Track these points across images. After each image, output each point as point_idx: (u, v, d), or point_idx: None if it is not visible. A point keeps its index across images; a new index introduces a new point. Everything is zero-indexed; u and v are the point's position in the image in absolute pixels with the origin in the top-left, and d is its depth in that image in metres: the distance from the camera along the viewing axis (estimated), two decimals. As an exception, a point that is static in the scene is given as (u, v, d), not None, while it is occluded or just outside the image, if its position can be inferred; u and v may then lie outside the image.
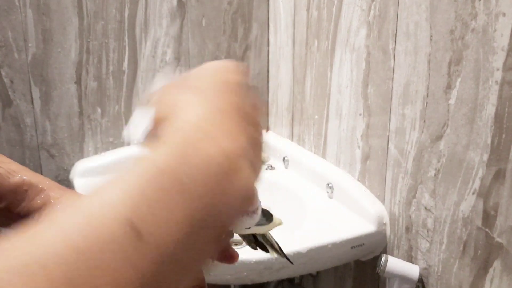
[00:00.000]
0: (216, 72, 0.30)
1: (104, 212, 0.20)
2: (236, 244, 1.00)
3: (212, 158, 0.24)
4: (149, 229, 0.20)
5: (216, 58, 1.25)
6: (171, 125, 0.25)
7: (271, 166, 1.19)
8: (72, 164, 1.16)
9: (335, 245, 0.87)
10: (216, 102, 0.27)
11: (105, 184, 0.21)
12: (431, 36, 0.77)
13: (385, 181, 0.93)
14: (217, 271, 0.81)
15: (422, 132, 0.81)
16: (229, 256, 0.36)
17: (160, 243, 0.20)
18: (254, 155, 0.26)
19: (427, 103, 0.79)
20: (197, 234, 0.22)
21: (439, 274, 0.82)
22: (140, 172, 0.22)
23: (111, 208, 0.20)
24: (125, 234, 0.19)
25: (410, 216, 0.87)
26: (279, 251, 0.41)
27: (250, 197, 0.25)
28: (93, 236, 0.19)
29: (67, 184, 1.12)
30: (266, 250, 0.42)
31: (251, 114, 0.28)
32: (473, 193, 0.73)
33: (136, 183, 0.21)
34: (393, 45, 0.85)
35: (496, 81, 0.67)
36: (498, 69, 0.66)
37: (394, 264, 0.84)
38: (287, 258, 0.43)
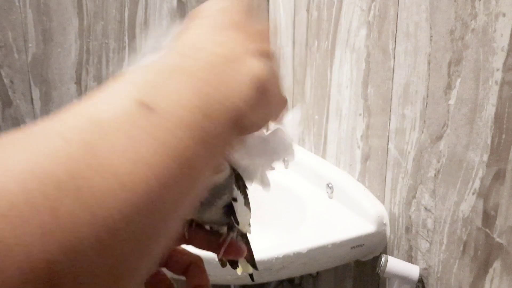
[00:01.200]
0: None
1: (112, 98, 0.20)
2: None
3: (215, 52, 0.24)
4: (160, 104, 0.20)
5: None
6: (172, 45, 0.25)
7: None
8: (72, 164, 1.16)
9: (335, 245, 0.87)
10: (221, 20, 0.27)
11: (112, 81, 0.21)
12: (431, 36, 0.77)
13: (385, 181, 0.93)
14: (217, 272, 0.81)
15: (422, 132, 0.81)
16: (236, 250, 0.37)
17: (173, 113, 0.20)
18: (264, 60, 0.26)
19: (427, 103, 0.79)
20: (208, 113, 0.21)
21: (439, 274, 0.82)
22: (139, 70, 0.22)
23: (118, 93, 0.20)
24: (137, 110, 0.19)
25: (410, 216, 0.87)
26: (251, 259, 0.40)
27: (261, 85, 0.24)
28: (108, 111, 0.19)
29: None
30: (235, 266, 0.41)
31: (257, 32, 0.28)
32: (473, 193, 0.73)
33: (139, 74, 0.21)
34: (393, 46, 0.86)
35: (496, 82, 0.67)
36: (498, 70, 0.66)
37: (394, 264, 0.84)
38: (254, 267, 0.42)
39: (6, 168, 0.16)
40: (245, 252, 0.38)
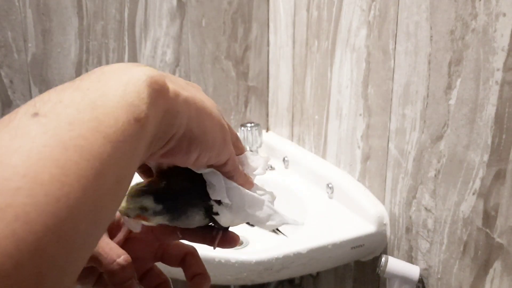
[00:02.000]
0: None
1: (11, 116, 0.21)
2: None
3: (107, 70, 0.26)
4: (46, 109, 0.21)
5: (216, 58, 1.25)
6: None
7: (271, 166, 1.19)
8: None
9: (335, 246, 0.87)
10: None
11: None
12: (431, 36, 0.77)
13: (385, 182, 0.93)
14: (217, 272, 0.81)
15: (422, 132, 0.81)
16: (230, 239, 0.37)
17: (58, 113, 0.22)
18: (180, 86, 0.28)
19: (427, 103, 0.79)
20: (98, 107, 0.22)
21: (439, 274, 0.82)
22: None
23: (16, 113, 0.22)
24: (27, 119, 0.21)
25: (410, 217, 0.87)
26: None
27: (154, 83, 0.25)
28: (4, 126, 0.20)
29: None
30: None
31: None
32: (473, 194, 0.73)
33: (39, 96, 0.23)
34: (393, 45, 0.85)
35: (497, 82, 0.66)
36: (498, 70, 0.66)
37: (394, 264, 0.83)
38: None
39: None
40: (239, 241, 0.38)
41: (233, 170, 0.34)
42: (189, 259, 0.38)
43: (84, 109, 0.22)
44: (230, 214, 0.35)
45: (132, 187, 0.34)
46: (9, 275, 0.16)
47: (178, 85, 0.28)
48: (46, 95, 0.23)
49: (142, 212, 0.33)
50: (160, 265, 0.40)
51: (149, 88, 0.24)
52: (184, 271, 0.38)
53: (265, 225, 0.37)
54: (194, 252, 0.39)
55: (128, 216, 0.34)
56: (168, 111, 0.26)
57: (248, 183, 0.36)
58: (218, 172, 0.34)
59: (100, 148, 0.21)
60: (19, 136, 0.19)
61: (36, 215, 0.17)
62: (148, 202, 0.33)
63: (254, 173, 0.36)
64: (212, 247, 0.37)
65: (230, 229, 0.37)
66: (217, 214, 0.35)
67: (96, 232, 0.21)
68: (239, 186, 0.34)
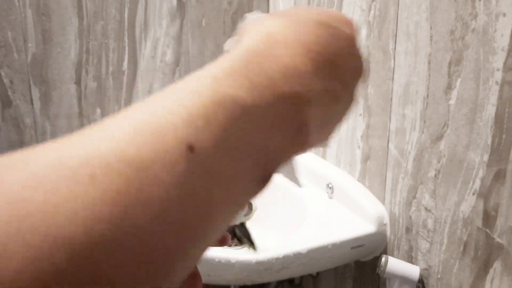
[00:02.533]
0: (319, 14, 0.26)
1: (163, 129, 0.18)
2: (236, 245, 1.00)
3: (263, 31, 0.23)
4: (205, 151, 0.19)
5: (216, 58, 1.25)
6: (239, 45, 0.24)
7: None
8: (72, 165, 1.16)
9: (335, 246, 0.87)
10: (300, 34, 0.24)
11: (167, 95, 0.20)
12: (431, 36, 0.77)
13: (385, 182, 0.93)
14: (217, 271, 0.81)
15: (422, 132, 0.81)
16: (222, 239, 0.38)
17: (211, 162, 0.19)
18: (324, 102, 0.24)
19: (427, 103, 0.79)
20: (246, 160, 0.20)
21: (439, 274, 0.82)
22: (205, 92, 0.20)
23: (171, 127, 0.18)
24: (180, 153, 0.18)
25: (410, 217, 0.87)
26: (252, 242, 0.40)
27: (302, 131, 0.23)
28: (146, 147, 0.17)
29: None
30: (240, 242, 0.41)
31: (341, 66, 0.25)
32: (473, 194, 0.73)
33: (202, 106, 0.20)
34: (393, 45, 0.85)
35: (497, 82, 0.66)
36: (498, 70, 0.66)
37: (394, 264, 0.83)
38: (254, 247, 0.41)
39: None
40: (229, 240, 0.38)
41: None
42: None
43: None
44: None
45: None
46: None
47: (319, 127, 0.24)
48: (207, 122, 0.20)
49: None
50: None
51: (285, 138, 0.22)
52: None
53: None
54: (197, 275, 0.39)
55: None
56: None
57: None
58: None
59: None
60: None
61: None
62: None
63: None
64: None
65: None
66: None
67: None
68: None
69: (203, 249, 0.20)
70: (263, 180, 0.21)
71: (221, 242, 0.38)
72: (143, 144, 0.17)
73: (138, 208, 0.16)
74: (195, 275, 0.38)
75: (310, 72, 0.23)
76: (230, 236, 0.38)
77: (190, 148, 0.18)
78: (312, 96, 0.23)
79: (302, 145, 0.23)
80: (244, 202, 0.21)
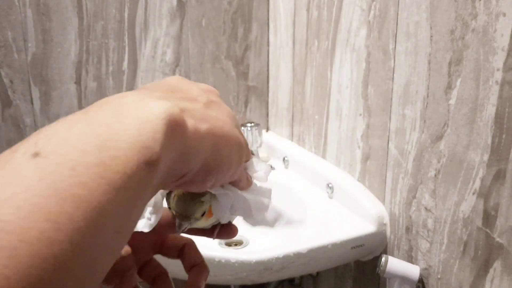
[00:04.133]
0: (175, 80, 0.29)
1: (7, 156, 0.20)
2: (236, 244, 1.00)
3: (121, 102, 0.24)
4: (48, 150, 0.20)
5: (216, 58, 1.25)
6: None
7: (271, 166, 1.19)
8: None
9: (335, 245, 0.87)
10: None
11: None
12: (431, 36, 0.77)
13: (385, 182, 0.93)
14: (217, 272, 0.81)
15: (422, 132, 0.81)
16: (229, 231, 0.38)
17: (61, 155, 0.20)
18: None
19: (427, 103, 0.79)
20: (107, 150, 0.21)
21: (439, 274, 0.82)
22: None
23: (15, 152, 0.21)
24: (26, 160, 0.19)
25: (410, 217, 0.87)
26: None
27: (173, 122, 0.24)
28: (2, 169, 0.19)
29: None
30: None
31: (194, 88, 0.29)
32: (473, 194, 0.73)
33: (42, 129, 0.21)
34: (393, 45, 0.85)
35: (497, 81, 0.66)
36: (498, 69, 0.66)
37: (394, 264, 0.84)
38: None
39: None
40: (237, 232, 0.38)
41: (241, 179, 0.34)
42: (187, 250, 0.39)
43: (91, 151, 0.20)
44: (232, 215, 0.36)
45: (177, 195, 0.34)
46: None
47: (197, 117, 0.26)
48: (54, 127, 0.21)
49: (208, 203, 0.34)
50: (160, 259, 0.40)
51: (166, 127, 0.23)
52: (183, 262, 0.39)
53: (272, 226, 0.38)
54: (191, 243, 0.39)
55: (195, 217, 0.34)
56: (185, 151, 0.24)
57: (249, 186, 0.36)
58: (228, 192, 0.34)
59: (102, 197, 0.19)
60: (13, 183, 0.18)
61: (16, 279, 0.16)
62: (207, 197, 0.34)
63: (255, 175, 0.37)
64: (211, 238, 0.38)
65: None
66: None
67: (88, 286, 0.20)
68: (244, 195, 0.34)
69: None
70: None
71: (229, 234, 0.38)
72: None
73: None
74: (201, 265, 0.38)
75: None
76: (237, 228, 0.39)
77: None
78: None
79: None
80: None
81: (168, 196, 0.35)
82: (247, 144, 0.32)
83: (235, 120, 0.30)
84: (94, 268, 0.20)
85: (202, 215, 0.34)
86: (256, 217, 0.35)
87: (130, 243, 0.35)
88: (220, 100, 0.30)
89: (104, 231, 0.19)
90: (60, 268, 0.17)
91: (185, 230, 0.35)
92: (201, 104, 0.27)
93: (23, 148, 0.20)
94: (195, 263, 0.38)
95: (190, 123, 0.25)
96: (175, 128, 0.23)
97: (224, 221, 0.36)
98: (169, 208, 0.35)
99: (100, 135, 0.21)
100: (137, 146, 0.21)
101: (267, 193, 0.37)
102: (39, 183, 0.18)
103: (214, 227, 0.37)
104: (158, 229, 0.38)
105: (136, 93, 0.25)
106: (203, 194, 0.33)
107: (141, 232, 0.36)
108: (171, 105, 0.24)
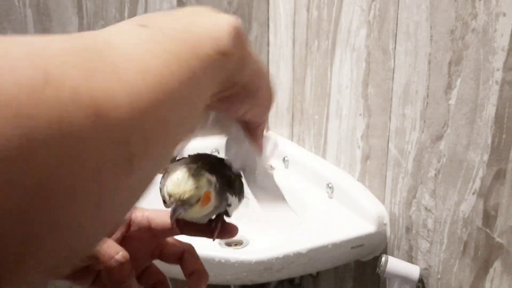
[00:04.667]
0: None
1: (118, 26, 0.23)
2: (236, 245, 1.00)
3: (190, 10, 0.28)
4: (155, 24, 0.24)
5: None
6: None
7: (271, 166, 1.19)
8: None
9: (335, 245, 0.87)
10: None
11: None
12: (431, 36, 0.77)
13: (385, 181, 0.93)
14: (217, 271, 0.81)
15: (422, 132, 0.81)
16: (230, 230, 0.38)
17: (167, 31, 0.24)
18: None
19: (427, 103, 0.79)
20: (194, 35, 0.24)
21: (439, 274, 0.82)
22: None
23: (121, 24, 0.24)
24: (137, 28, 0.23)
25: (410, 217, 0.87)
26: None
27: (237, 31, 0.27)
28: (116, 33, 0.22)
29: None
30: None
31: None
32: (473, 193, 0.73)
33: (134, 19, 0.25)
34: (393, 45, 0.85)
35: (497, 81, 0.66)
36: (498, 69, 0.66)
37: (394, 264, 0.83)
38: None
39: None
40: (237, 231, 0.38)
41: (261, 126, 0.35)
42: (186, 256, 0.39)
43: (183, 32, 0.24)
44: (238, 205, 0.37)
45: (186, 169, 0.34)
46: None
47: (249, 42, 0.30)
48: (151, 15, 0.25)
49: (209, 187, 0.34)
50: (159, 264, 0.40)
51: (234, 31, 0.26)
52: (182, 268, 0.39)
53: (265, 205, 0.38)
54: (191, 249, 0.39)
55: (196, 198, 0.34)
56: (243, 58, 0.28)
57: (260, 148, 0.37)
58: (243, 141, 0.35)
59: (193, 62, 0.23)
60: (131, 36, 0.22)
61: (149, 91, 0.20)
62: (209, 176, 0.34)
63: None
64: (211, 239, 0.38)
65: (229, 220, 0.38)
66: (229, 205, 0.36)
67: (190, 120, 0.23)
68: (269, 175, 0.35)
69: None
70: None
71: (230, 233, 0.38)
72: None
73: None
74: (200, 271, 0.38)
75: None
76: (237, 228, 0.39)
77: None
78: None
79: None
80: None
81: (162, 179, 0.35)
82: None
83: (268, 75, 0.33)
84: (190, 104, 0.23)
85: (197, 201, 0.34)
86: (259, 181, 0.36)
87: (128, 250, 0.35)
88: None
89: (196, 87, 0.23)
90: (169, 93, 0.21)
91: (179, 216, 0.34)
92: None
93: (129, 22, 0.23)
94: (195, 269, 0.38)
95: (247, 40, 0.29)
96: (239, 35, 0.27)
97: (235, 166, 0.36)
98: (161, 190, 0.35)
99: (184, 24, 0.25)
100: (213, 37, 0.25)
101: (279, 193, 0.38)
102: (149, 40, 0.22)
103: (213, 227, 0.37)
104: (159, 233, 0.38)
105: (206, 7, 0.28)
106: (199, 179, 0.33)
107: (139, 240, 0.36)
108: (237, 20, 0.28)
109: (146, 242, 0.38)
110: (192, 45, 0.24)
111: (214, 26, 0.26)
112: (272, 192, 0.37)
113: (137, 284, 0.37)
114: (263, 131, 0.36)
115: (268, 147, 0.37)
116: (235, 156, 0.36)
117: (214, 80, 0.26)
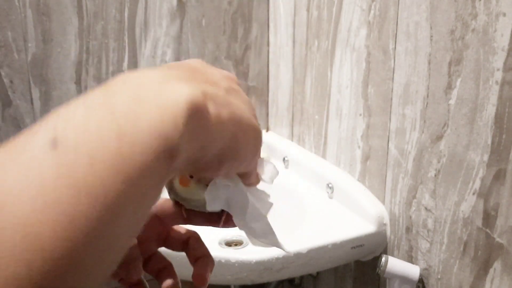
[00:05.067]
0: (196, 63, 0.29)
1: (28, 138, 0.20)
2: (236, 244, 1.00)
3: (142, 82, 0.23)
4: (67, 137, 0.19)
5: (216, 58, 1.25)
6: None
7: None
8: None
9: (335, 246, 0.87)
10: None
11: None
12: (431, 36, 0.77)
13: (385, 182, 0.93)
14: (217, 272, 0.81)
15: (422, 132, 0.81)
16: (230, 221, 0.38)
17: (79, 143, 0.20)
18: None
19: (427, 103, 0.79)
20: (125, 138, 0.20)
21: (439, 274, 0.82)
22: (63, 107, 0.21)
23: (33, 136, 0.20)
24: (45, 148, 0.19)
25: (410, 217, 0.87)
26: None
27: (196, 110, 0.23)
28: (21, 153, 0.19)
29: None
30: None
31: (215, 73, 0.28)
32: (473, 194, 0.73)
33: (60, 110, 0.21)
34: (393, 45, 0.85)
35: (497, 81, 0.66)
36: (498, 69, 0.66)
37: (394, 264, 0.83)
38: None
39: None
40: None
41: (252, 173, 0.33)
42: (192, 243, 0.39)
43: (110, 140, 0.19)
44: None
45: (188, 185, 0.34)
46: None
47: (219, 103, 0.25)
48: (72, 109, 0.20)
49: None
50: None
51: (188, 114, 0.22)
52: (188, 254, 0.39)
53: (254, 240, 0.37)
54: (196, 235, 0.39)
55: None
56: (205, 139, 0.24)
57: (257, 183, 0.36)
58: (229, 184, 0.33)
59: (118, 189, 0.19)
60: (30, 175, 0.18)
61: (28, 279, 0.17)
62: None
63: (262, 176, 0.37)
64: (217, 227, 0.37)
65: None
66: None
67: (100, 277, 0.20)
68: (247, 194, 0.34)
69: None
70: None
71: (230, 224, 0.38)
72: None
73: None
74: (206, 257, 0.38)
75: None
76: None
77: None
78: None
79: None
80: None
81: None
82: None
83: (253, 110, 0.29)
84: (106, 260, 0.19)
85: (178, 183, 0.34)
86: (248, 221, 0.35)
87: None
88: (239, 87, 0.30)
89: (118, 223, 0.19)
90: (73, 265, 0.18)
91: (173, 199, 0.35)
92: (222, 90, 0.27)
93: (42, 133, 0.19)
94: (200, 255, 0.38)
95: (212, 109, 0.24)
96: (197, 115, 0.22)
97: (210, 208, 0.35)
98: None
99: (120, 123, 0.20)
100: (157, 137, 0.20)
101: (267, 206, 0.37)
102: (56, 178, 0.18)
103: (220, 215, 0.37)
104: (165, 221, 0.38)
105: (158, 72, 0.24)
106: None
107: (145, 226, 0.36)
108: (194, 89, 0.23)
109: (152, 228, 0.38)
110: (121, 162, 0.19)
111: (161, 117, 0.21)
112: (261, 230, 0.36)
113: (143, 271, 0.37)
114: (255, 174, 0.34)
115: (266, 172, 0.36)
116: (218, 198, 0.33)
117: (161, 183, 0.22)
